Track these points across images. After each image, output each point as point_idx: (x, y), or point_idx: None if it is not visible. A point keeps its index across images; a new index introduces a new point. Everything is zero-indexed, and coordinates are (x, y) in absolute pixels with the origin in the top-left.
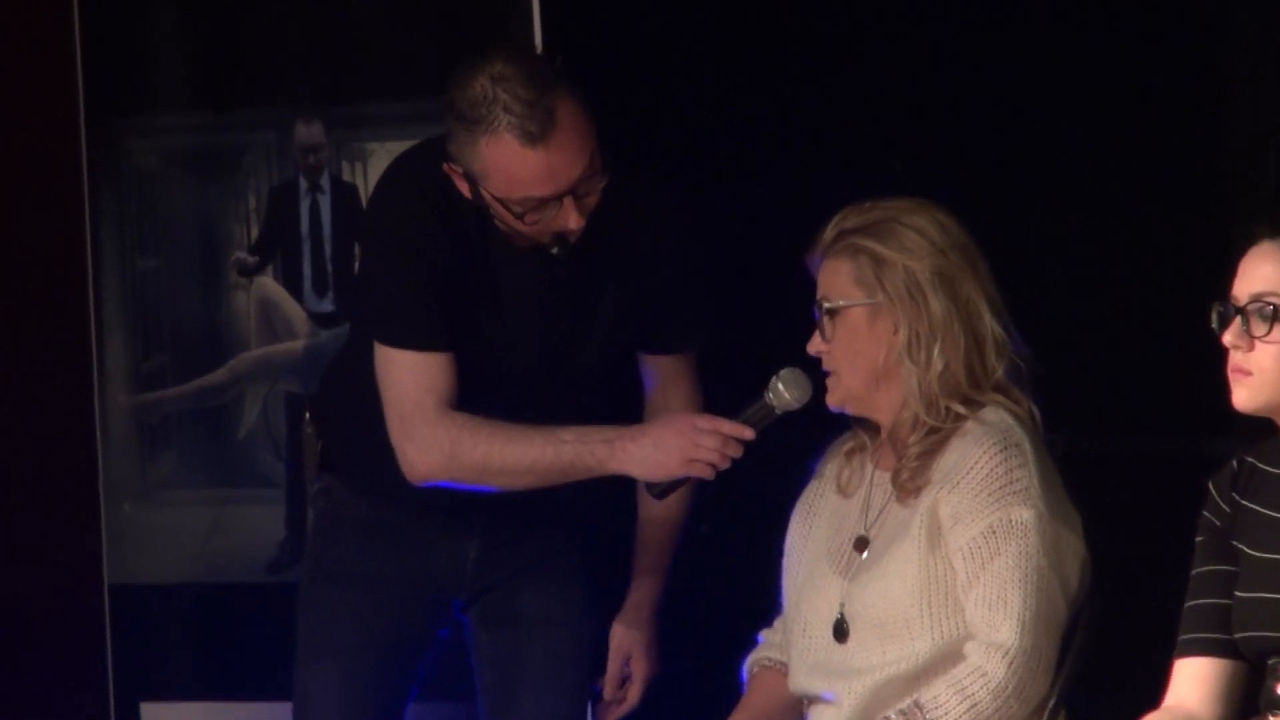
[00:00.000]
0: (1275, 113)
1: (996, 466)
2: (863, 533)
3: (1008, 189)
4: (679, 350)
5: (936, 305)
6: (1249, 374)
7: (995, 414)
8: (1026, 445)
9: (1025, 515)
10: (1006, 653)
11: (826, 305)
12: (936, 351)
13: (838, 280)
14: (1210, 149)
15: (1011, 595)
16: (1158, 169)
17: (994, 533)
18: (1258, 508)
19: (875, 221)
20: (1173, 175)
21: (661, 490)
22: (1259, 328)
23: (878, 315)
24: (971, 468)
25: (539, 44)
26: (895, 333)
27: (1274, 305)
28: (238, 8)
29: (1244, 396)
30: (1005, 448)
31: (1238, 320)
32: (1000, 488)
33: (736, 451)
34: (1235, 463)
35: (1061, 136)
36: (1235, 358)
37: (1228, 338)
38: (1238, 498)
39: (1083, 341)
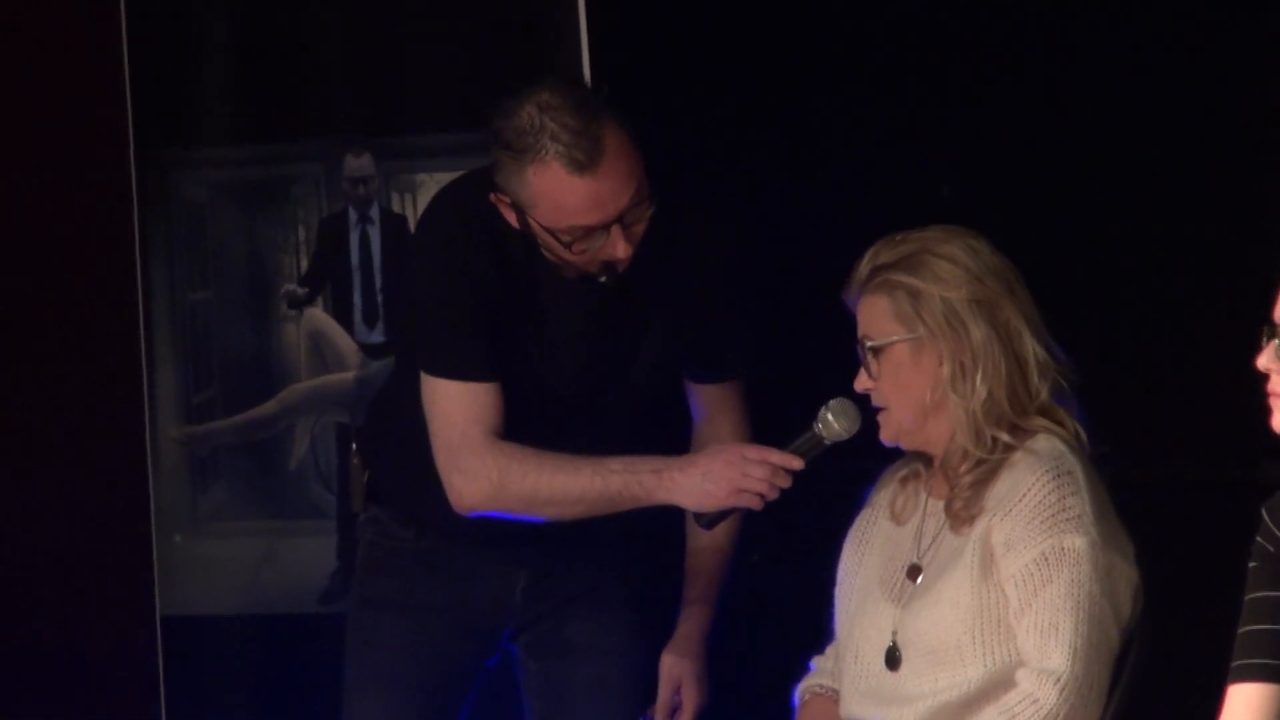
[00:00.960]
0: None
1: (1049, 494)
2: (916, 560)
3: (1058, 209)
4: (726, 379)
5: (977, 333)
6: (1274, 398)
7: (1046, 442)
8: (1079, 473)
9: (1078, 543)
10: (1058, 679)
11: (869, 343)
12: (979, 379)
13: (877, 317)
14: (1273, 167)
15: (1064, 622)
16: (1216, 184)
17: (1046, 560)
18: None
19: (908, 255)
20: (1232, 191)
21: (710, 520)
22: (1273, 352)
23: (921, 349)
24: (1024, 495)
25: (587, 75)
26: (940, 365)
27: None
28: (286, 40)
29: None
30: (1058, 475)
31: (1274, 343)
32: (1053, 515)
33: (785, 482)
34: None
35: (1114, 153)
36: (1273, 381)
37: (1261, 361)
38: None
39: (1134, 363)
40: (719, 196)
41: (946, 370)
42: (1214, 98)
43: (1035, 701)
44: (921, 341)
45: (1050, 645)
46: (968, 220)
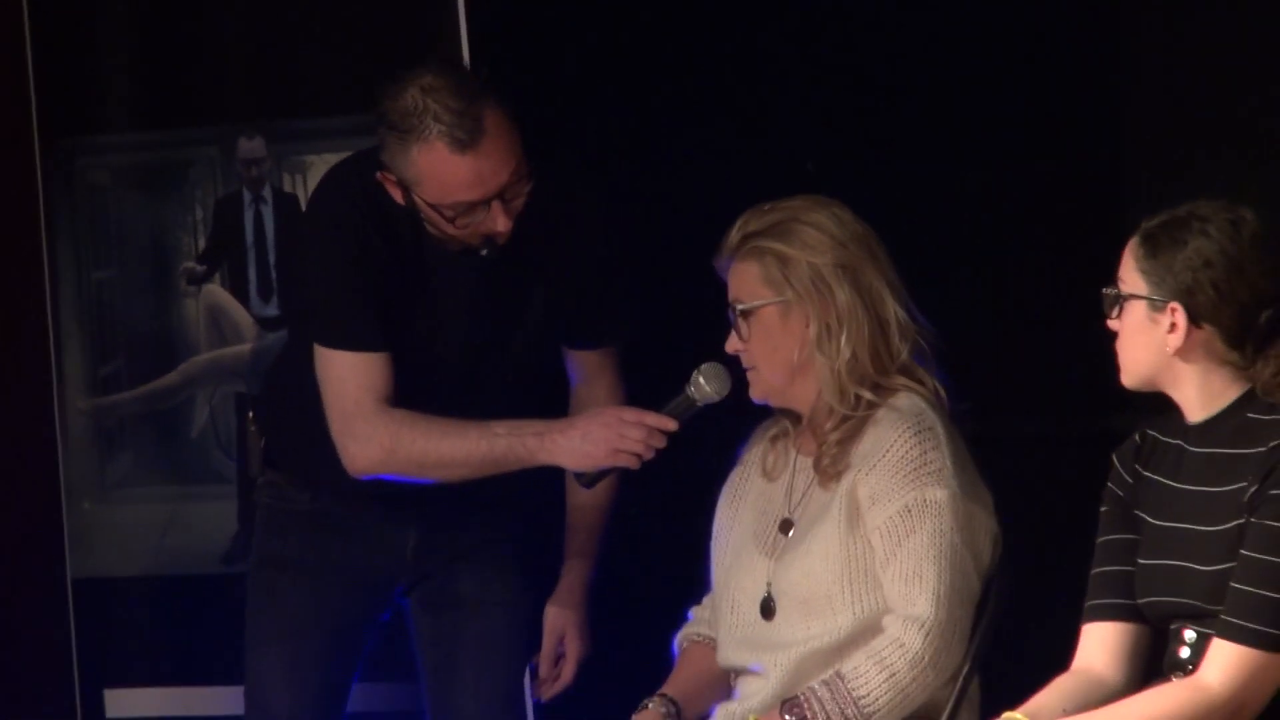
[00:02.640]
0: (1170, 104)
1: (911, 449)
2: (787, 515)
3: (916, 179)
4: (603, 345)
5: (842, 296)
6: (1117, 354)
7: (908, 399)
8: (939, 428)
9: (939, 495)
10: (923, 625)
11: (740, 306)
12: (844, 340)
13: (747, 282)
14: (1112, 132)
15: (927, 570)
16: (1066, 148)
17: (910, 512)
18: (1159, 478)
19: (776, 222)
20: (1082, 154)
21: (590, 480)
22: (1111, 311)
23: (789, 312)
24: (887, 451)
25: (466, 58)
26: (807, 326)
27: (1116, 291)
28: (180, 31)
29: (1121, 376)
30: (919, 431)
31: (1119, 305)
32: (915, 469)
33: (660, 442)
34: (1138, 436)
35: (965, 124)
36: (1120, 340)
37: (1111, 321)
38: (1140, 469)
39: (988, 324)
40: (595, 172)
41: (813, 331)
42: (1059, 64)
43: (902, 645)
44: (789, 304)
45: (915, 592)
46: (831, 193)
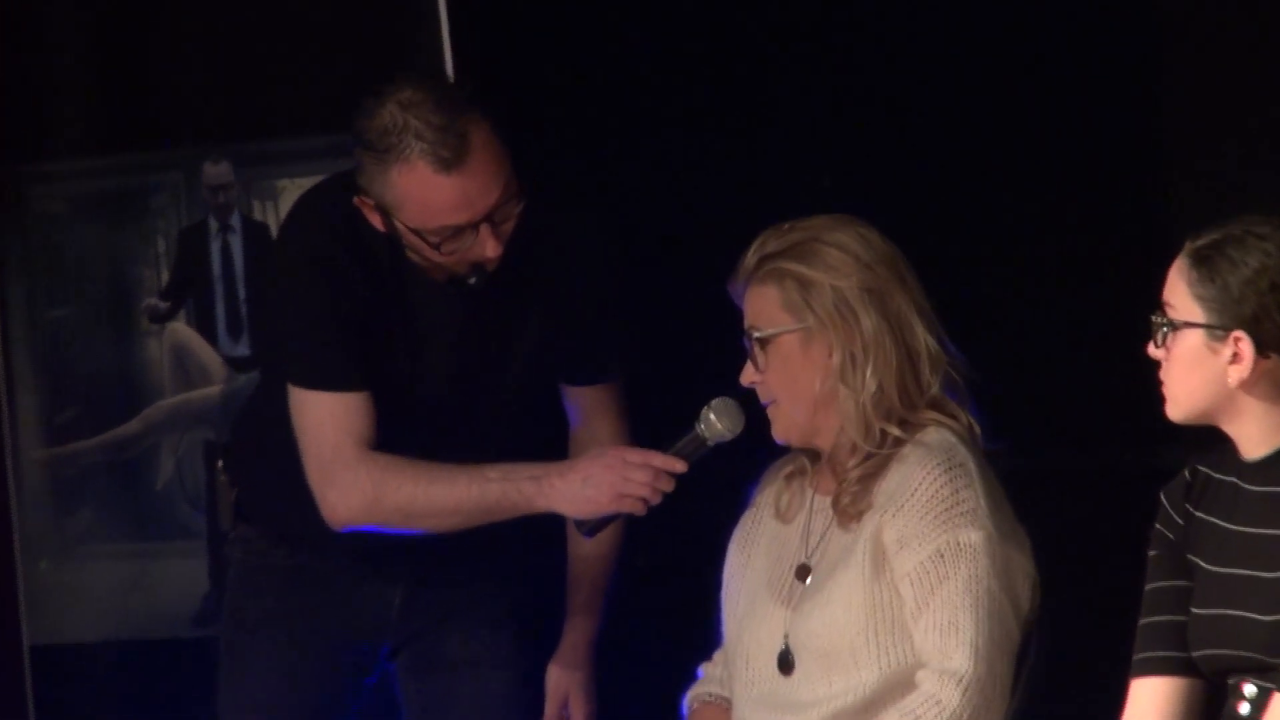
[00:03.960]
0: (1214, 126)
1: (942, 488)
2: (804, 560)
3: (944, 197)
4: (603, 380)
5: (868, 322)
6: (1163, 385)
7: (936, 434)
8: (971, 465)
9: (974, 537)
10: (961, 680)
11: (756, 334)
12: (870, 372)
13: (765, 307)
14: (1154, 154)
15: (963, 620)
16: (1106, 168)
17: (942, 556)
18: (1212, 519)
19: (797, 243)
20: (1123, 175)
21: (592, 527)
22: (1157, 339)
23: (810, 340)
24: (915, 490)
25: (450, 70)
26: (830, 356)
27: (1167, 319)
28: (138, 47)
29: (1167, 408)
30: (950, 468)
31: (1163, 330)
32: (946, 510)
33: (668, 485)
34: (1188, 473)
35: (999, 140)
36: (1164, 369)
37: (1152, 348)
38: (1191, 509)
39: (1025, 352)
40: (592, 191)
41: (836, 361)
42: (1101, 82)
43: (939, 703)
44: (811, 331)
45: (951, 645)
46: (853, 211)
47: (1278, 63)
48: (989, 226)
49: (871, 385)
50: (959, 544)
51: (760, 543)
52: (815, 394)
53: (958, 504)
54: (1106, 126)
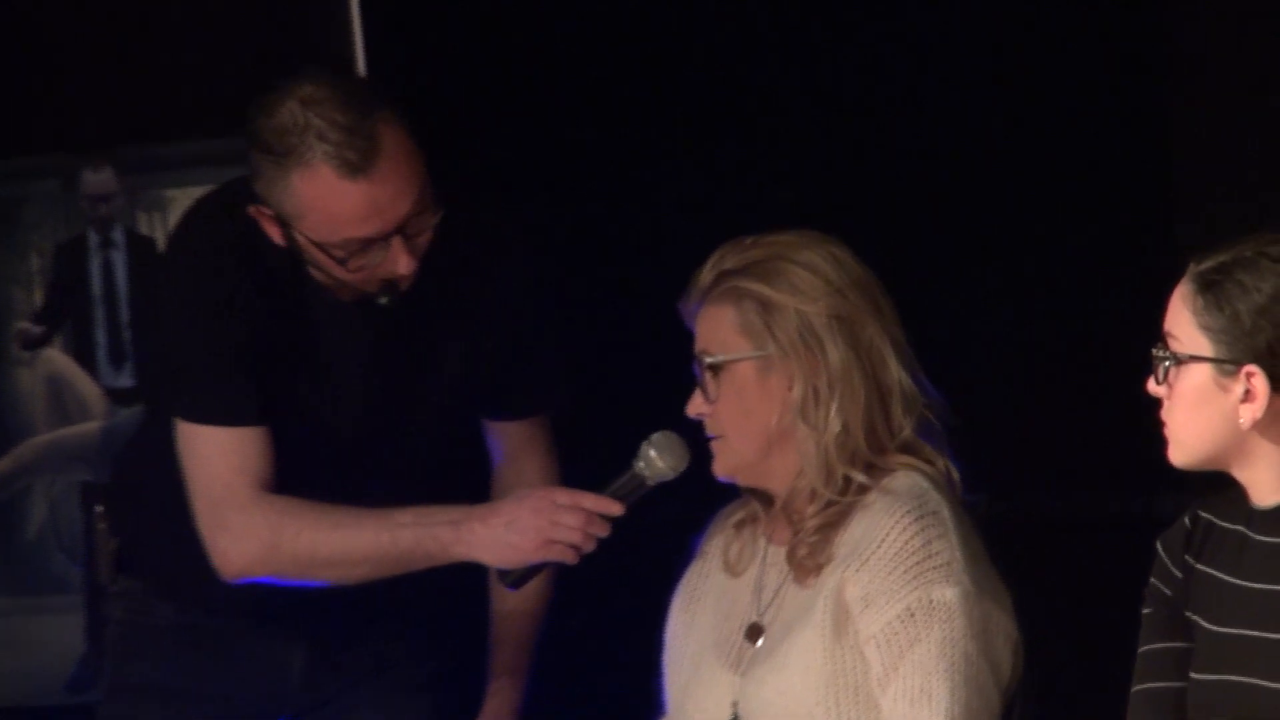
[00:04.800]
0: (1221, 139)
1: (912, 539)
2: (756, 619)
3: (923, 218)
4: (531, 414)
5: (835, 354)
6: (1165, 426)
7: (906, 479)
8: (945, 513)
9: (948, 594)
10: None
11: (708, 360)
12: (834, 409)
13: (720, 330)
14: (1154, 169)
15: (937, 687)
16: (1095, 179)
17: (913, 616)
18: (1215, 572)
19: (759, 260)
20: (1112, 184)
21: (517, 578)
22: (1159, 374)
23: (769, 369)
24: (882, 541)
25: (360, 64)
26: (790, 388)
27: (1170, 353)
28: (8, 40)
29: (1170, 451)
30: (920, 517)
31: (1164, 364)
32: (917, 563)
33: (603, 530)
34: (1188, 520)
35: (981, 157)
36: (1165, 408)
37: (1152, 384)
38: (1191, 561)
39: (1010, 387)
40: (520, 200)
41: (797, 394)
42: (1090, 101)
43: None
44: (770, 360)
45: (923, 714)
46: (821, 228)
47: None
48: (971, 250)
49: (835, 424)
50: (931, 602)
51: (707, 599)
52: (770, 430)
53: (930, 557)
54: (1100, 139)
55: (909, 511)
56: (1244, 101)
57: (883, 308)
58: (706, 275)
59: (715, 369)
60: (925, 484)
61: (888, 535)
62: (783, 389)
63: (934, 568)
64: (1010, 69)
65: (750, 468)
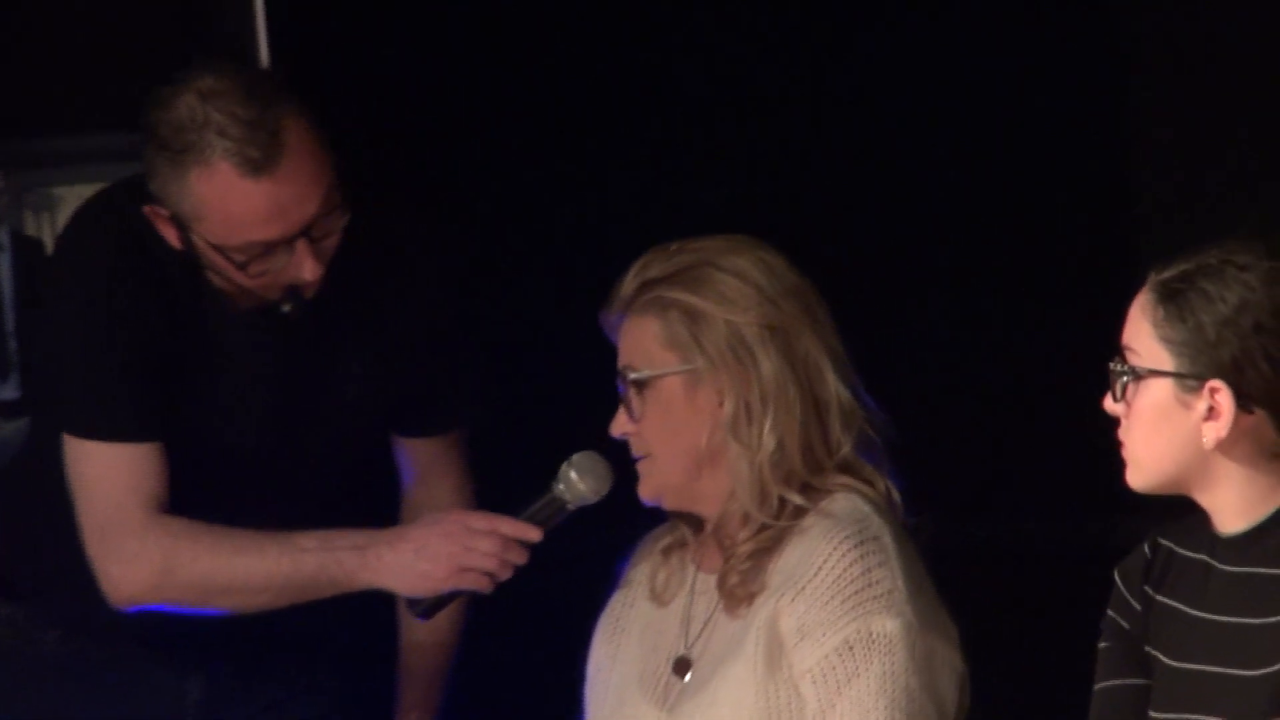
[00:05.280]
0: (1182, 140)
1: (850, 566)
2: (683, 652)
3: (863, 221)
4: (444, 431)
5: (769, 367)
6: (1123, 446)
7: (845, 501)
8: (886, 539)
9: (889, 625)
10: None
11: (632, 375)
12: (768, 426)
13: (645, 343)
14: (1112, 174)
15: None
16: (1048, 180)
17: (851, 649)
18: (1176, 604)
19: (686, 267)
20: (1067, 186)
21: (427, 608)
22: (1116, 390)
23: (698, 384)
24: (819, 568)
25: (263, 54)
26: (720, 404)
27: (1129, 367)
28: None
29: (1128, 474)
30: (860, 543)
31: (1122, 380)
32: (856, 592)
33: (520, 557)
34: (1148, 548)
35: (927, 157)
36: (1124, 427)
37: (1109, 402)
38: (1151, 592)
39: (956, 404)
40: (434, 203)
41: (728, 410)
42: (1044, 106)
43: None
44: (699, 374)
45: None
46: (752, 233)
47: (1254, 76)
48: (913, 256)
49: (770, 442)
50: (871, 634)
51: (632, 630)
52: (700, 449)
53: (870, 585)
54: (1056, 146)
55: (848, 537)
56: (1206, 106)
57: (819, 317)
58: (629, 285)
59: (640, 385)
60: (866, 507)
61: (825, 562)
62: (712, 405)
63: (874, 597)
64: (962, 72)
65: (678, 490)
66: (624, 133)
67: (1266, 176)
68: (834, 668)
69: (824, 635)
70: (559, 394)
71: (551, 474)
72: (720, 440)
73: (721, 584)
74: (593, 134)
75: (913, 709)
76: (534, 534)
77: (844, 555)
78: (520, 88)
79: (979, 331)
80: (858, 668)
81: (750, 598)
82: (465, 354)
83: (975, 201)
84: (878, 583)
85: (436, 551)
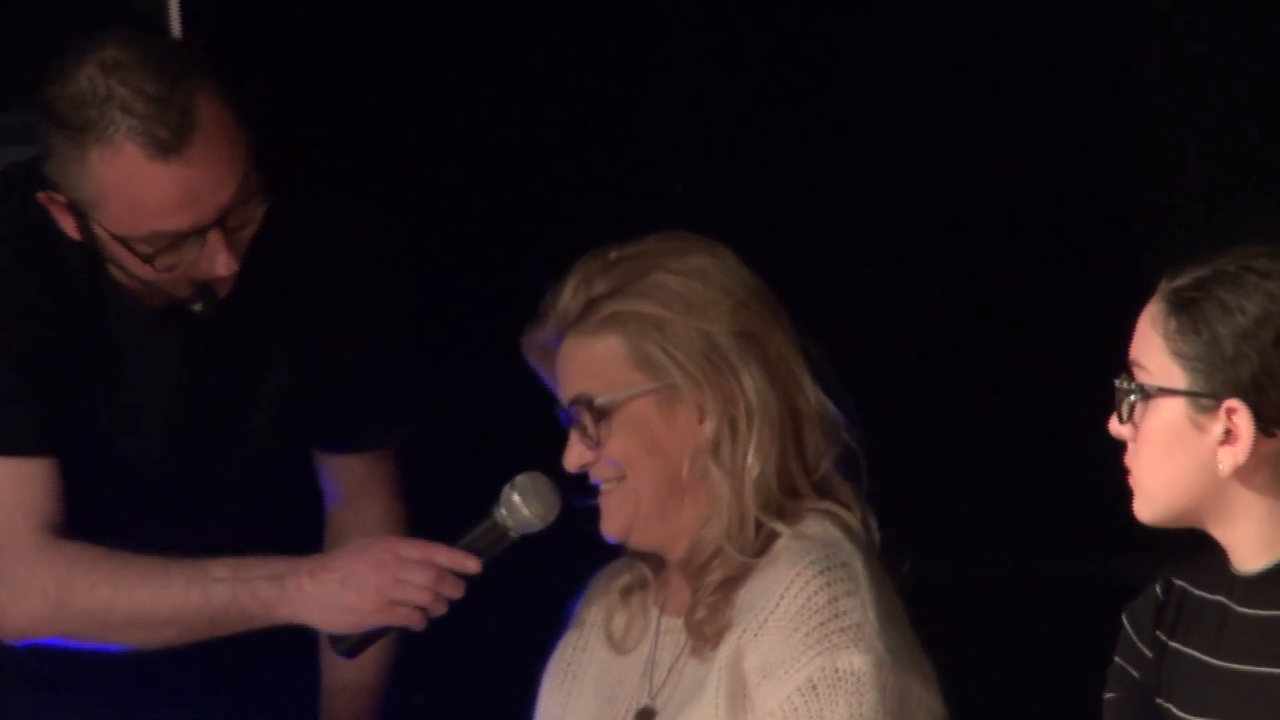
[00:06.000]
0: (1192, 141)
1: (815, 595)
2: (646, 701)
3: (828, 217)
4: (374, 448)
5: (750, 380)
6: (1130, 473)
7: (816, 526)
8: (857, 566)
9: (857, 662)
10: None
11: (598, 401)
12: (753, 447)
13: (604, 365)
14: (1116, 168)
15: None
16: (1045, 176)
17: (815, 688)
18: (1191, 651)
19: (636, 275)
20: (1066, 183)
21: (353, 645)
22: (1123, 411)
23: (675, 402)
24: (782, 597)
25: (175, 23)
26: (701, 422)
27: (1136, 384)
28: None
29: (1136, 504)
30: (826, 569)
31: (1130, 399)
32: (821, 624)
33: (455, 590)
34: (1159, 588)
35: (896, 145)
36: (1131, 452)
37: (1114, 425)
38: (1164, 638)
39: (942, 426)
40: (366, 191)
41: (710, 430)
42: (1037, 93)
43: None
44: (676, 391)
45: None
46: (709, 227)
47: (1262, 76)
48: (887, 254)
49: (755, 466)
50: (837, 671)
51: (585, 677)
52: (679, 475)
53: (836, 617)
54: (1056, 149)
55: (814, 562)
56: (1218, 104)
57: (782, 318)
58: (570, 301)
59: (605, 412)
60: (836, 531)
61: (787, 590)
62: (692, 424)
63: (840, 630)
64: (956, 71)
65: (650, 522)
66: (588, 128)
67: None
68: (796, 709)
69: (786, 673)
70: (503, 409)
71: (493, 498)
72: (702, 465)
73: (689, 621)
74: (554, 126)
75: None
76: (472, 565)
77: (808, 582)
78: (472, 64)
79: (970, 346)
80: (822, 710)
81: (718, 635)
82: (399, 362)
83: (968, 214)
84: (845, 613)
85: (363, 582)
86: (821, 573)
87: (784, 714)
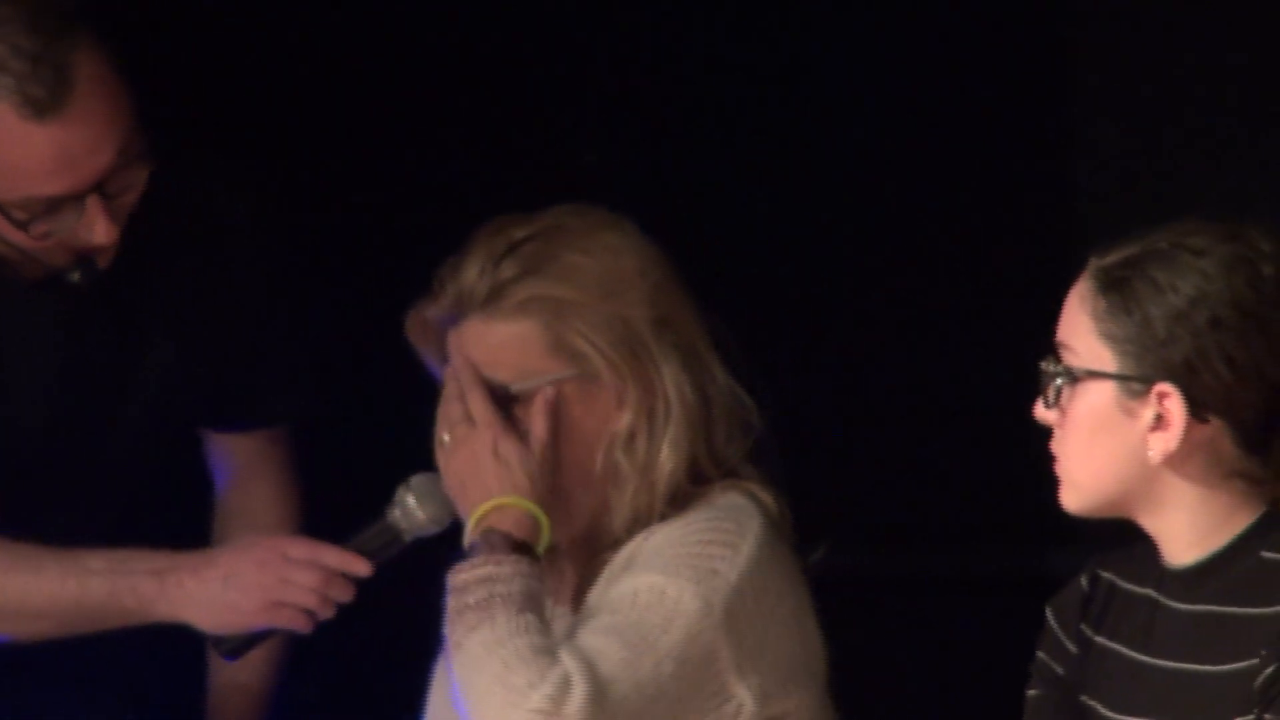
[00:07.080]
0: (1125, 115)
1: (695, 532)
2: None
3: (743, 189)
4: (263, 426)
5: (668, 368)
6: (1057, 460)
7: (725, 495)
8: (752, 530)
9: (685, 597)
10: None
11: (514, 389)
12: (668, 441)
13: (517, 352)
14: (1040, 140)
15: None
16: (961, 145)
17: (636, 595)
18: (1118, 647)
19: (547, 256)
20: (986, 153)
21: (235, 646)
22: (1050, 395)
23: (595, 389)
24: (670, 531)
25: None
26: (619, 410)
27: (1062, 366)
28: None
29: (1063, 493)
30: (717, 520)
31: (1055, 382)
32: (683, 552)
33: (344, 594)
34: (1085, 581)
35: (815, 120)
36: (1057, 438)
37: (1039, 409)
38: (1089, 633)
39: (860, 409)
40: (258, 158)
41: (626, 422)
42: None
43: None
44: (595, 379)
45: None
46: (618, 198)
47: (1198, 64)
48: (805, 226)
49: (669, 461)
50: (664, 593)
51: None
52: (588, 465)
53: (699, 555)
54: (961, 108)
55: (709, 517)
56: (1150, 89)
57: (688, 298)
58: (477, 283)
59: (516, 400)
60: (744, 500)
61: (673, 531)
62: (611, 411)
63: (693, 565)
64: (890, 64)
65: (552, 512)
66: (474, 82)
67: (1211, 166)
68: (615, 607)
69: (632, 575)
70: (404, 393)
71: (387, 497)
72: (614, 457)
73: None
74: (436, 85)
75: (643, 679)
76: (362, 567)
77: (692, 523)
78: (367, 23)
79: (889, 325)
80: (634, 617)
81: None
82: (288, 339)
83: (887, 191)
84: (709, 557)
85: (248, 582)
86: (712, 521)
87: (609, 603)
